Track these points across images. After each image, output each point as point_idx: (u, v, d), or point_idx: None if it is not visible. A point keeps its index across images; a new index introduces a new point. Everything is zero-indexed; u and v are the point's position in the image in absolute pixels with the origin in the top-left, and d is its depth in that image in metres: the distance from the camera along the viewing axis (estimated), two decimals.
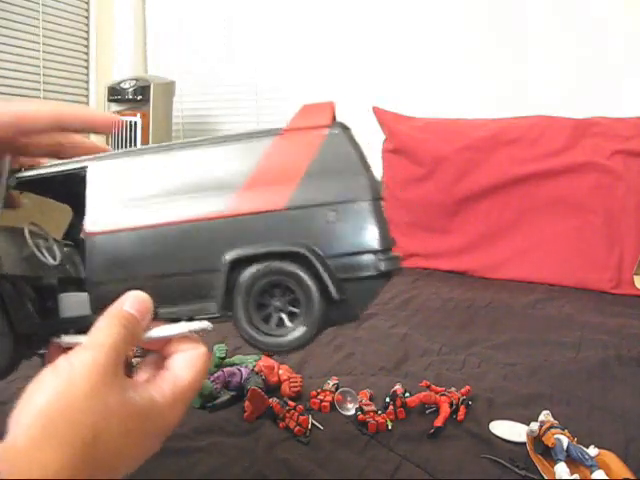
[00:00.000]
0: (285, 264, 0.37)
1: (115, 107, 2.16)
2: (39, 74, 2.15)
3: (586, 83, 1.70)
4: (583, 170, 1.53)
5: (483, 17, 1.85)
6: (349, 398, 0.73)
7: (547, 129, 1.61)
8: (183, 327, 0.38)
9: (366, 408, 0.70)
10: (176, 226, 0.38)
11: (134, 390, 0.34)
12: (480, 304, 1.29)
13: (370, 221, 0.38)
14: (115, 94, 2.14)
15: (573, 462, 0.58)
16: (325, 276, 0.37)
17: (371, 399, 0.74)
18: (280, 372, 0.78)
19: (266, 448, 0.62)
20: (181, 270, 0.39)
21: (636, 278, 1.48)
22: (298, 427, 0.65)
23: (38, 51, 2.14)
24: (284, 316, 0.38)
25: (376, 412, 0.69)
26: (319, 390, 0.75)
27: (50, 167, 0.42)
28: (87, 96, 2.38)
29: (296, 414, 0.67)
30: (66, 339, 0.39)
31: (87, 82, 2.39)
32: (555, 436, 0.60)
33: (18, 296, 0.39)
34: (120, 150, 0.42)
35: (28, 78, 2.12)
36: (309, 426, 0.66)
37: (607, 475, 0.55)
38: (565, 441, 0.59)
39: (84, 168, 0.41)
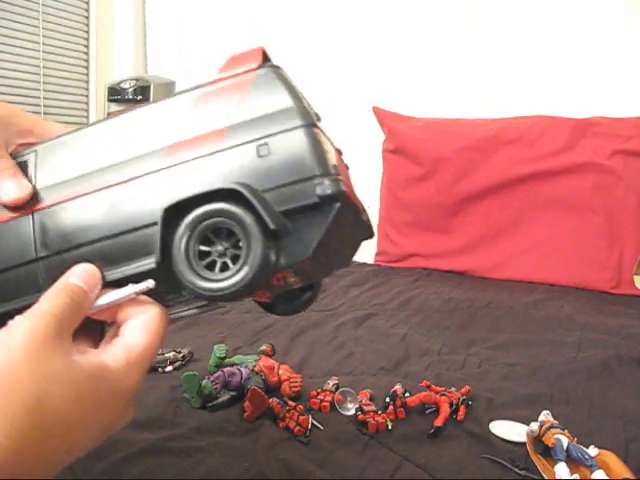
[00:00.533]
0: (221, 204, 0.36)
1: (115, 107, 2.16)
2: (39, 74, 2.15)
3: (586, 83, 1.70)
4: (583, 170, 1.53)
5: (483, 17, 1.85)
6: (349, 398, 0.73)
7: (547, 129, 1.61)
8: (128, 289, 0.37)
9: (366, 408, 0.70)
10: (113, 187, 0.39)
11: (81, 355, 0.33)
12: (480, 304, 1.29)
13: (301, 147, 0.37)
14: (115, 94, 2.14)
15: (573, 462, 0.58)
16: (259, 208, 0.36)
17: (371, 399, 0.74)
18: (280, 372, 0.78)
19: (266, 448, 0.62)
20: (121, 229, 0.38)
21: (636, 278, 1.48)
22: (298, 427, 0.65)
23: (38, 51, 2.14)
24: (228, 260, 0.37)
25: (376, 412, 0.69)
26: (319, 390, 0.75)
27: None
28: (87, 96, 2.38)
29: (296, 414, 0.67)
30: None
31: (87, 82, 2.39)
32: (555, 436, 0.60)
33: None
34: (65, 132, 0.44)
35: (28, 78, 2.12)
36: (309, 426, 0.66)
37: (607, 475, 0.55)
38: (565, 441, 0.59)
39: (32, 154, 0.42)
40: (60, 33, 2.25)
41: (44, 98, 2.17)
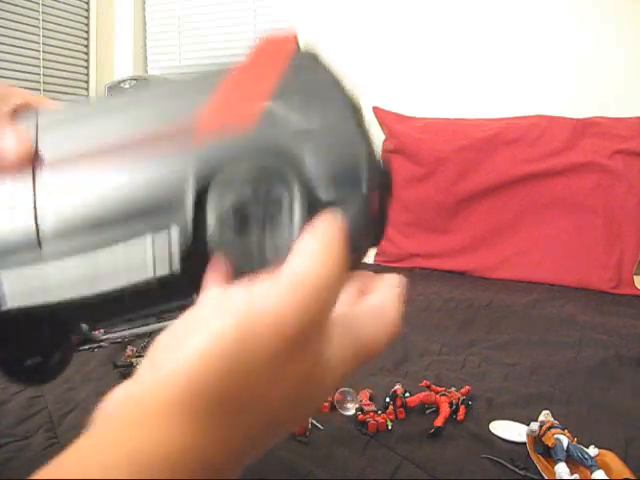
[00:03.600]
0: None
1: None
2: (39, 74, 2.15)
3: (586, 83, 1.70)
4: (583, 170, 1.54)
5: (483, 17, 1.85)
6: (349, 398, 0.73)
7: (547, 129, 1.61)
8: None
9: (366, 408, 0.70)
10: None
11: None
12: (480, 304, 1.29)
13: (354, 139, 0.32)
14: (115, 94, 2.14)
15: (573, 462, 0.58)
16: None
17: (371, 399, 0.74)
18: None
19: None
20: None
21: (636, 278, 1.48)
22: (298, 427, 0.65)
23: (38, 51, 2.14)
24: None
25: (376, 412, 0.69)
26: None
27: None
28: (87, 96, 2.38)
29: None
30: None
31: (87, 82, 2.39)
32: (555, 436, 0.59)
33: None
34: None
35: (28, 78, 2.12)
36: (309, 426, 0.66)
37: (607, 475, 0.55)
38: (565, 441, 0.59)
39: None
40: (60, 33, 2.25)
41: None
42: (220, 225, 0.30)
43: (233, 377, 0.22)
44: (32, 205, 0.33)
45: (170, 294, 0.32)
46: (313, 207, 0.29)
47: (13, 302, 0.32)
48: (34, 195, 0.33)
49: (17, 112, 0.38)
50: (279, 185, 0.30)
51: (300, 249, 0.25)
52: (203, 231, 0.30)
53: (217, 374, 0.22)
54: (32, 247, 0.33)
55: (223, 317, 0.23)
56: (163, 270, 0.30)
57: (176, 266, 0.30)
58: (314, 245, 0.25)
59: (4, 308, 0.32)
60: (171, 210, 0.31)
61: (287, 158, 0.31)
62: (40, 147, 0.34)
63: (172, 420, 0.22)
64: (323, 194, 0.30)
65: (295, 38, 0.35)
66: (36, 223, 0.33)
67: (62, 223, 0.33)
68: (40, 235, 0.33)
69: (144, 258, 0.30)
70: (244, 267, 0.29)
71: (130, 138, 0.33)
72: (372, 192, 0.32)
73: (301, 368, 0.24)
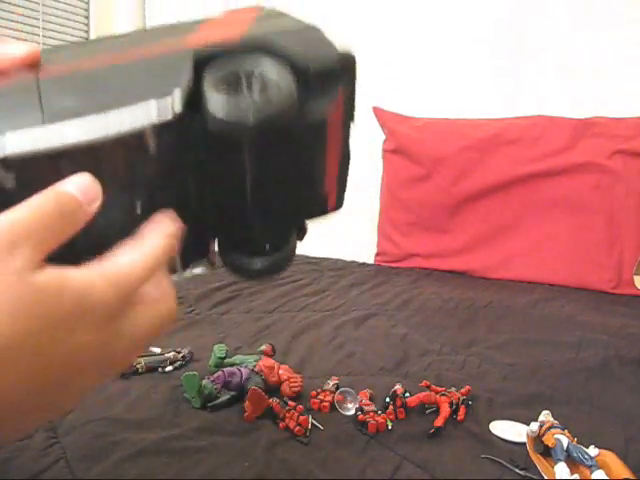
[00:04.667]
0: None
1: None
2: None
3: (586, 83, 1.70)
4: (583, 170, 1.54)
5: (483, 17, 1.85)
6: (349, 398, 0.73)
7: (547, 129, 1.61)
8: None
9: (366, 408, 0.70)
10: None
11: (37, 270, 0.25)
12: (480, 304, 1.29)
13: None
14: None
15: (573, 462, 0.58)
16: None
17: (371, 399, 0.74)
18: (280, 372, 0.78)
19: (266, 448, 0.62)
20: None
21: (636, 278, 1.48)
22: (298, 427, 0.65)
23: None
24: None
25: (376, 412, 0.69)
26: (319, 390, 0.75)
27: None
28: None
29: (296, 414, 0.67)
30: None
31: None
32: (555, 436, 0.59)
33: None
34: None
35: None
36: (309, 426, 0.66)
37: (607, 475, 0.55)
38: (565, 441, 0.59)
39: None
40: (60, 33, 2.25)
41: None
42: (214, 88, 0.31)
43: (30, 318, 0.24)
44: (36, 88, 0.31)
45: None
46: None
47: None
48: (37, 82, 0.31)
49: None
50: (267, 57, 0.33)
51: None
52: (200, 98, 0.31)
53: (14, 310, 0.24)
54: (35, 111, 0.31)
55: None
56: (165, 116, 0.30)
57: (178, 108, 0.30)
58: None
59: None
60: (172, 81, 0.31)
61: (272, 47, 0.34)
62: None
63: None
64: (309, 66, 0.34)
65: (260, 6, 0.39)
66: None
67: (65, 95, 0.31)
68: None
69: (148, 113, 0.30)
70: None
71: (131, 49, 0.34)
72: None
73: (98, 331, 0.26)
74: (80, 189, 0.28)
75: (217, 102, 0.30)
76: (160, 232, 0.31)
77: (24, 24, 2.09)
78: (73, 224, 0.28)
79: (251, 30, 0.35)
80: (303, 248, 0.44)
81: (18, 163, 0.28)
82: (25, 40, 2.09)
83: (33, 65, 0.33)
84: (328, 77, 0.35)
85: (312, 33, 0.38)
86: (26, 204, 0.26)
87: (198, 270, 0.36)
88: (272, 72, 0.32)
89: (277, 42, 0.34)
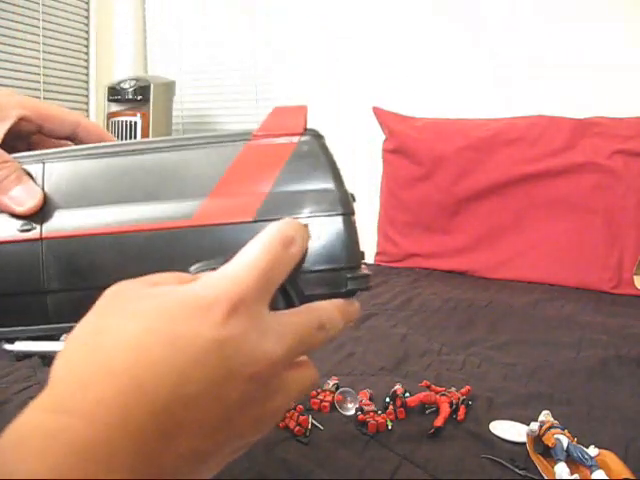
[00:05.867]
0: None
1: (115, 107, 2.16)
2: (39, 74, 2.15)
3: (586, 83, 1.70)
4: (583, 170, 1.53)
5: (483, 17, 1.85)
6: (349, 398, 0.73)
7: (547, 129, 1.61)
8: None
9: (366, 408, 0.70)
10: (138, 234, 0.36)
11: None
12: (480, 304, 1.29)
13: (340, 237, 0.36)
14: (115, 94, 2.14)
15: (573, 462, 0.58)
16: (292, 293, 0.35)
17: (371, 399, 0.74)
18: None
19: (266, 448, 0.62)
20: None
21: (636, 278, 1.48)
22: (298, 427, 0.65)
23: (38, 51, 2.15)
24: None
25: (376, 412, 0.69)
26: (319, 390, 0.75)
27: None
28: (87, 96, 2.39)
29: (296, 414, 0.67)
30: (20, 346, 0.37)
31: (87, 82, 2.39)
32: (555, 436, 0.59)
33: None
34: (79, 147, 0.40)
35: (28, 78, 2.12)
36: (309, 426, 0.66)
37: (607, 475, 0.55)
38: (565, 441, 0.59)
39: (39, 165, 0.38)
40: (60, 33, 2.25)
41: (44, 98, 2.17)
42: None
43: (166, 387, 0.22)
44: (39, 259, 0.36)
45: None
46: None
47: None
48: (42, 260, 0.36)
49: (17, 129, 0.40)
50: None
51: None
52: None
53: (148, 389, 0.22)
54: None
55: (139, 320, 0.24)
56: None
57: None
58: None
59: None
60: None
61: None
62: (47, 205, 0.37)
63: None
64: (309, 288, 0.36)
65: (304, 112, 0.38)
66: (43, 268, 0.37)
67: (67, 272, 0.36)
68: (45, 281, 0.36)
69: None
70: None
71: (137, 221, 0.36)
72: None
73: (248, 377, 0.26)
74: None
75: None
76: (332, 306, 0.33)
77: (24, 24, 2.09)
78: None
79: (260, 213, 0.36)
80: None
81: None
82: (25, 40, 2.09)
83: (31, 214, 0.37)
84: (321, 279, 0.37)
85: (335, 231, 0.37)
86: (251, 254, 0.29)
87: None
88: None
89: None
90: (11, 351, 0.37)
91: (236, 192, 0.37)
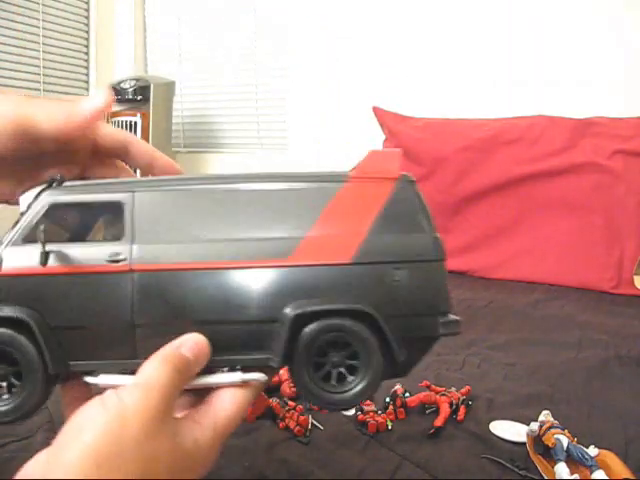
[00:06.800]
0: (348, 321, 0.36)
1: (115, 107, 2.16)
2: (39, 74, 2.15)
3: (586, 83, 1.70)
4: (583, 170, 1.53)
5: (483, 17, 1.85)
6: None
7: (547, 129, 1.61)
8: (236, 377, 0.36)
9: (366, 408, 0.69)
10: (233, 270, 0.36)
11: (181, 434, 0.33)
12: (480, 304, 1.29)
13: (436, 283, 0.37)
14: (115, 94, 2.14)
15: (573, 462, 0.58)
16: (391, 338, 0.36)
17: (371, 399, 0.74)
18: (280, 372, 0.78)
19: (266, 448, 0.62)
20: (237, 318, 0.36)
21: (636, 278, 1.48)
22: (298, 427, 0.65)
23: (38, 51, 2.15)
24: (343, 370, 0.37)
25: (376, 412, 0.69)
26: None
27: (86, 190, 0.38)
28: (87, 96, 2.39)
29: (296, 414, 0.67)
30: (104, 379, 0.36)
31: (87, 82, 2.39)
32: (555, 436, 0.59)
33: (54, 336, 0.36)
34: (169, 178, 0.39)
35: (28, 78, 2.12)
36: (309, 426, 0.66)
37: (607, 475, 0.55)
38: (565, 441, 0.59)
39: (129, 195, 0.37)
40: (60, 33, 2.25)
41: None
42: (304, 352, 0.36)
43: (118, 448, 0.30)
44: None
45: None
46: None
47: None
48: (132, 293, 0.36)
49: (71, 145, 0.40)
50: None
51: (145, 364, 0.34)
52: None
53: (109, 448, 0.30)
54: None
55: (105, 414, 0.31)
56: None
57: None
58: (155, 361, 0.34)
59: None
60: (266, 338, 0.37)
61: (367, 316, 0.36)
62: (137, 237, 0.36)
63: None
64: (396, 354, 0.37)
65: (399, 157, 0.39)
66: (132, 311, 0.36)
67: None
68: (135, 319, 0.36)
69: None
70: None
71: (234, 258, 0.36)
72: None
73: (162, 440, 0.32)
74: (193, 352, 0.35)
75: (313, 391, 0.37)
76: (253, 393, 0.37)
77: (24, 24, 2.09)
78: (185, 383, 0.34)
79: (357, 256, 0.37)
80: None
81: None
82: (25, 40, 2.09)
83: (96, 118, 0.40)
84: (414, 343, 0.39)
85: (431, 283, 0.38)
86: (157, 367, 0.33)
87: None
88: (365, 358, 0.37)
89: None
90: (95, 384, 0.36)
91: (332, 234, 0.37)
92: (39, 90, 2.15)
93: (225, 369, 0.38)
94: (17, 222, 0.37)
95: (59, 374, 0.37)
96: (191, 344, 0.35)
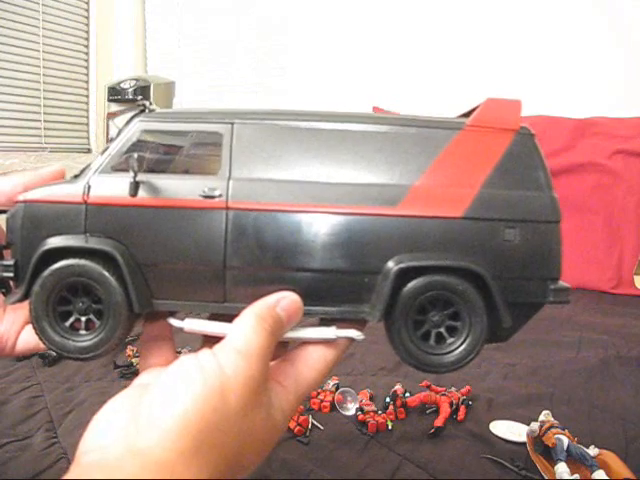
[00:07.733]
0: (454, 280, 0.34)
1: (115, 107, 2.16)
2: (39, 74, 2.15)
3: (586, 83, 1.70)
4: (583, 170, 1.53)
5: (483, 17, 1.85)
6: (349, 398, 0.73)
7: (547, 129, 1.61)
8: (330, 333, 0.34)
9: (366, 408, 0.69)
10: (337, 216, 0.33)
11: (274, 405, 0.32)
12: None
13: (548, 246, 0.34)
14: (115, 94, 2.14)
15: (573, 462, 0.58)
16: (499, 300, 0.34)
17: (371, 399, 0.74)
18: None
19: None
20: (336, 267, 0.34)
21: (636, 278, 1.48)
22: (298, 427, 0.65)
23: (38, 51, 2.14)
24: (443, 331, 0.35)
25: (376, 412, 0.69)
26: (319, 390, 0.75)
27: (181, 118, 0.35)
28: (87, 96, 2.38)
29: (296, 414, 0.67)
30: (189, 324, 0.34)
31: (87, 82, 2.39)
32: (555, 436, 0.59)
33: (140, 273, 0.34)
34: (272, 110, 0.36)
35: (28, 78, 2.12)
36: (309, 426, 0.66)
37: (607, 475, 0.55)
38: (565, 441, 0.59)
39: (228, 126, 0.35)
40: (60, 33, 2.25)
41: (44, 98, 2.17)
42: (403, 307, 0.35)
43: (218, 423, 0.29)
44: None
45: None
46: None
47: None
48: (225, 233, 0.34)
49: None
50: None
51: (241, 324, 0.32)
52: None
53: (208, 424, 0.28)
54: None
55: (204, 384, 0.29)
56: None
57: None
58: (252, 321, 0.32)
59: None
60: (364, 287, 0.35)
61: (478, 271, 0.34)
62: (234, 171, 0.34)
63: (187, 463, 0.27)
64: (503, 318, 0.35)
65: (519, 107, 0.36)
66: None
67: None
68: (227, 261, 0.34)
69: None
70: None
71: (337, 202, 0.34)
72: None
73: (259, 412, 0.31)
74: (286, 311, 0.34)
75: (414, 352, 0.36)
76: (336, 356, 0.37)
77: (24, 24, 2.09)
78: (276, 342, 0.33)
79: (469, 211, 0.34)
80: None
81: None
82: (25, 40, 2.09)
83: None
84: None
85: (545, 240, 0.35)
86: (255, 331, 0.31)
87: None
88: (467, 319, 0.35)
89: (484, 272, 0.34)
90: (180, 328, 0.34)
91: (444, 184, 0.34)
92: (39, 90, 2.15)
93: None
94: (106, 149, 0.35)
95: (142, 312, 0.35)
96: (287, 303, 0.33)
